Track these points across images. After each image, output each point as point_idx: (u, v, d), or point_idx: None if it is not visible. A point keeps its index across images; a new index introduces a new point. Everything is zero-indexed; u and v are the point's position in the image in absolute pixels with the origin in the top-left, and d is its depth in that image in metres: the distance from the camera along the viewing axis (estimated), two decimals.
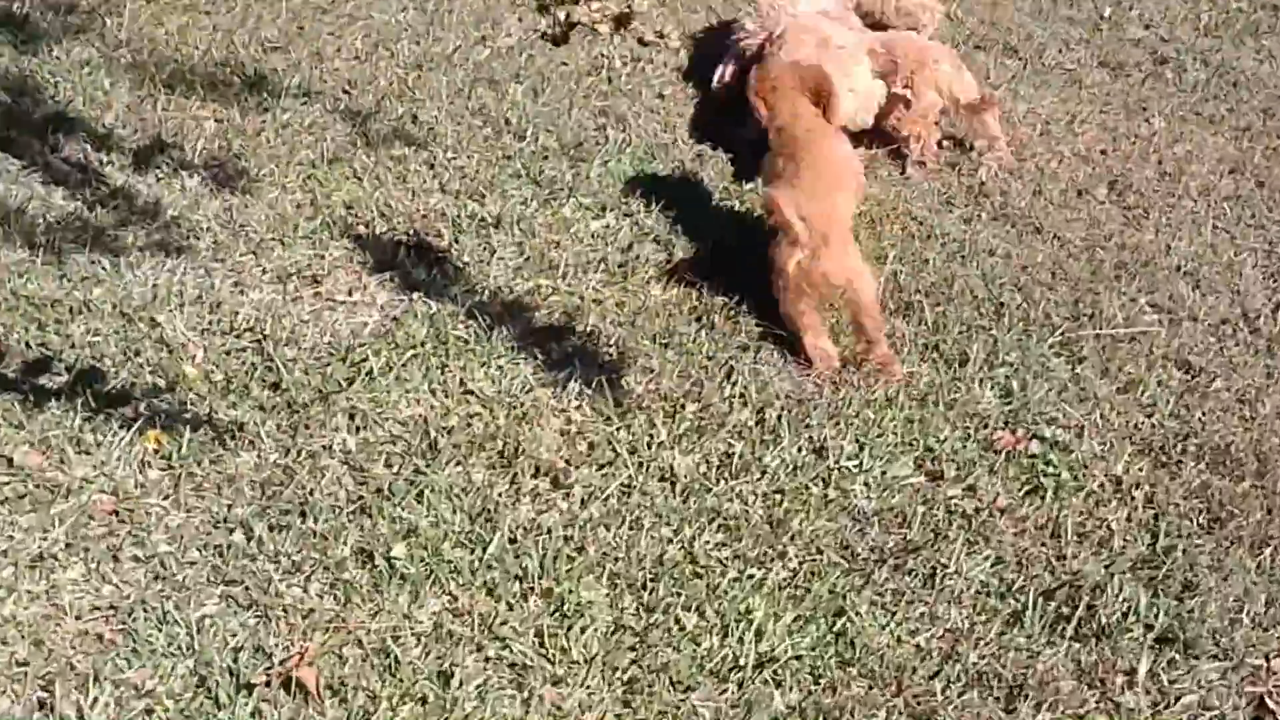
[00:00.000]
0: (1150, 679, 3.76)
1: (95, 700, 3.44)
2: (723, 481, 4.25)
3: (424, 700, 3.53)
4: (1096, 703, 3.72)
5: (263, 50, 6.41)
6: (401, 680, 3.55)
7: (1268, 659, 3.86)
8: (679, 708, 3.58)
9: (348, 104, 6.07)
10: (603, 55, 6.61)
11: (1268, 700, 3.76)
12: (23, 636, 3.55)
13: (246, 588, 3.77)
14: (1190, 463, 4.45)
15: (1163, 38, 7.44)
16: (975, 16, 7.33)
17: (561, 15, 3.28)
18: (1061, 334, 4.94)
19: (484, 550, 3.91)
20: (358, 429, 4.32)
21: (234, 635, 3.65)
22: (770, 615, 3.81)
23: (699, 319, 4.95)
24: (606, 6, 3.29)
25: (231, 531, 3.93)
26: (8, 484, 3.93)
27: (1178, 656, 3.82)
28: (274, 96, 5.99)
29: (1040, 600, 3.95)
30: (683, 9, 7.32)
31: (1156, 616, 3.93)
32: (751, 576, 3.92)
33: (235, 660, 3.57)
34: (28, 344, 4.44)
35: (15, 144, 5.41)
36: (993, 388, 4.76)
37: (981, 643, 3.83)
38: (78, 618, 3.65)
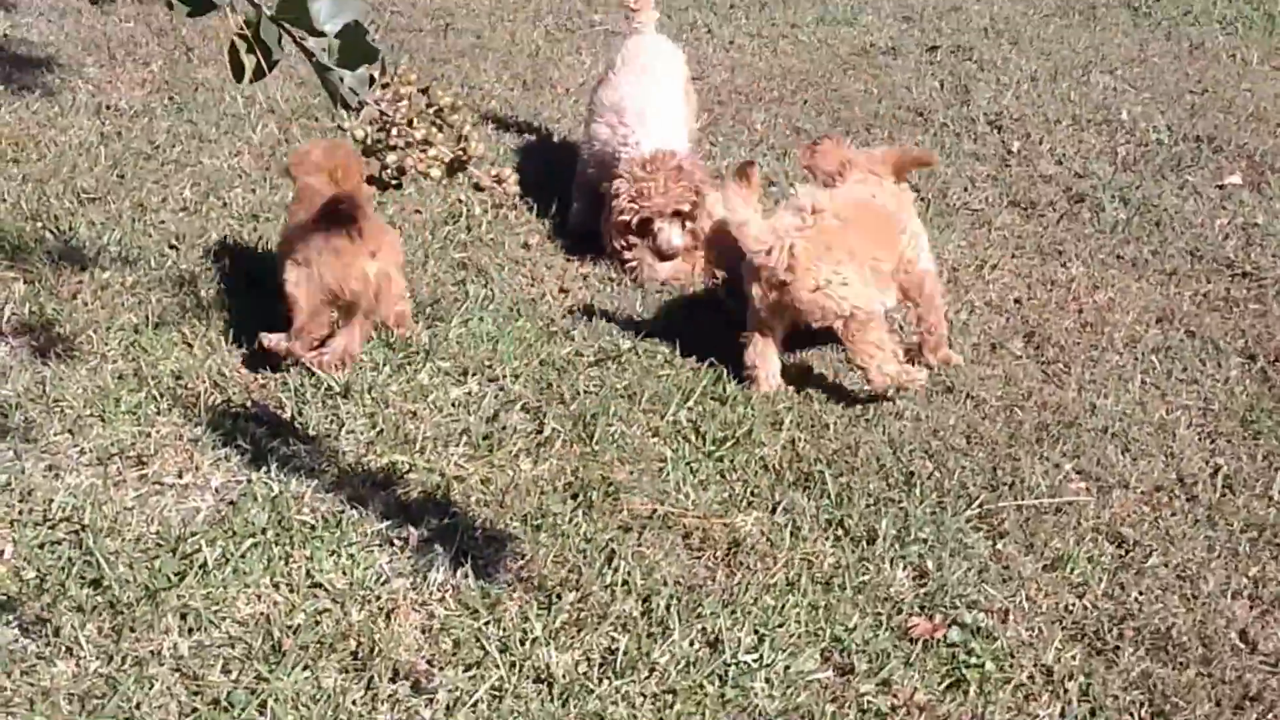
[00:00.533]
0: None
1: None
2: (606, 681, 4.23)
3: None
4: None
5: (79, 202, 6.45)
6: None
7: None
8: None
9: (175, 261, 6.09)
10: (460, 201, 6.71)
11: None
12: None
13: None
14: (1128, 649, 4.48)
15: (1077, 174, 7.67)
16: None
17: (390, 159, 3.39)
18: (979, 506, 5.00)
19: None
20: (190, 630, 4.28)
21: None
22: None
23: (575, 496, 4.97)
24: (440, 151, 3.40)
25: None
26: None
27: None
28: (91, 254, 5.99)
29: None
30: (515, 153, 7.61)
31: None
32: None
33: None
34: None
35: None
36: (905, 568, 4.79)
37: None
38: None
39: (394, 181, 3.51)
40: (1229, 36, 10.07)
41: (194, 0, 3.28)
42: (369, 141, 3.45)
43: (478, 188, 3.50)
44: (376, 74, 3.42)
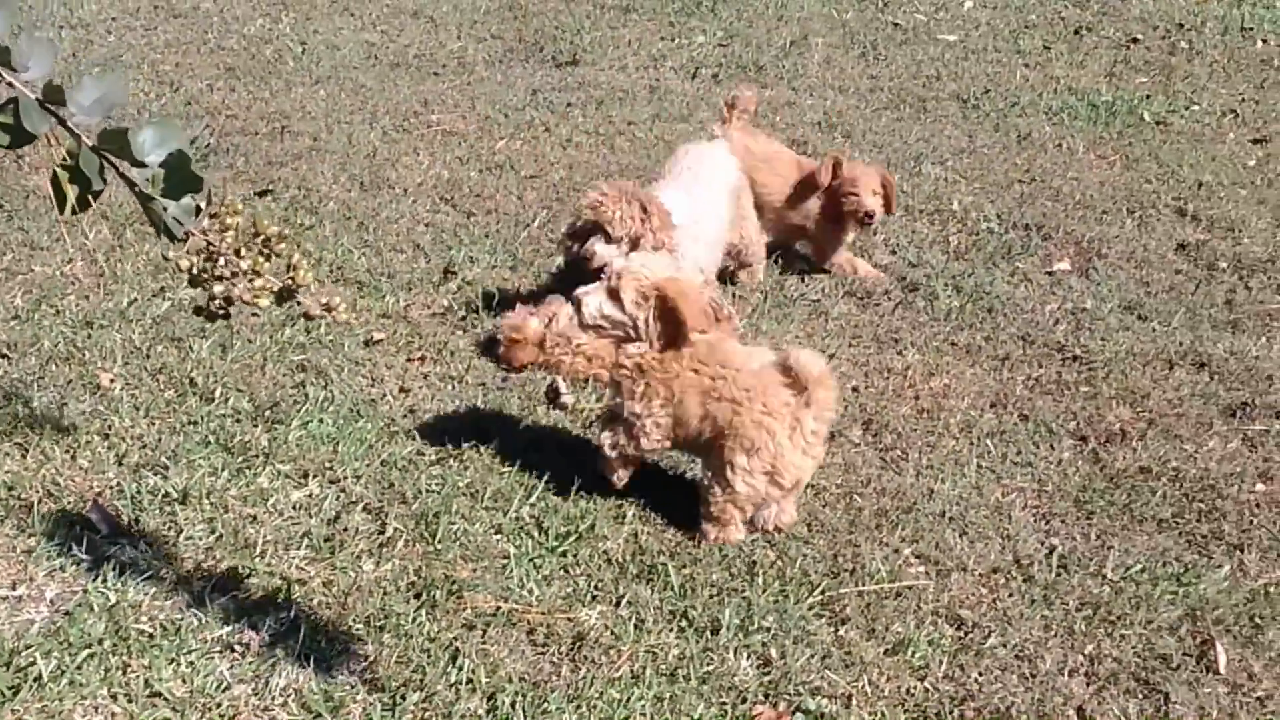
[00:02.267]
0: None
1: None
2: None
3: None
4: None
5: None
6: None
7: None
8: None
9: (6, 370, 6.00)
10: (299, 301, 6.67)
11: None
12: None
13: None
14: None
15: (911, 263, 7.79)
16: None
17: (217, 290, 3.42)
18: (821, 593, 5.01)
19: None
20: None
21: None
22: None
23: (418, 596, 4.93)
24: (267, 281, 3.43)
25: None
26: None
27: None
28: None
29: None
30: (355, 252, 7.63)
31: None
32: None
33: None
34: None
35: None
36: (749, 657, 4.79)
37: None
38: None
39: (221, 312, 3.54)
40: (1055, 127, 10.28)
41: (12, 130, 3.25)
42: (195, 272, 3.48)
43: (307, 316, 3.53)
44: (202, 204, 3.46)
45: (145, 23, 12.24)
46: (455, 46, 12.13)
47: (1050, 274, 7.73)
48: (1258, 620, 5.04)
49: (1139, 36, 12.71)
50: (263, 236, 3.50)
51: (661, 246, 6.44)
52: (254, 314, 6.48)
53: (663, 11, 13.11)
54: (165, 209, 3.39)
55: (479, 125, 10.01)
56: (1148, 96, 11.04)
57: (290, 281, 3.50)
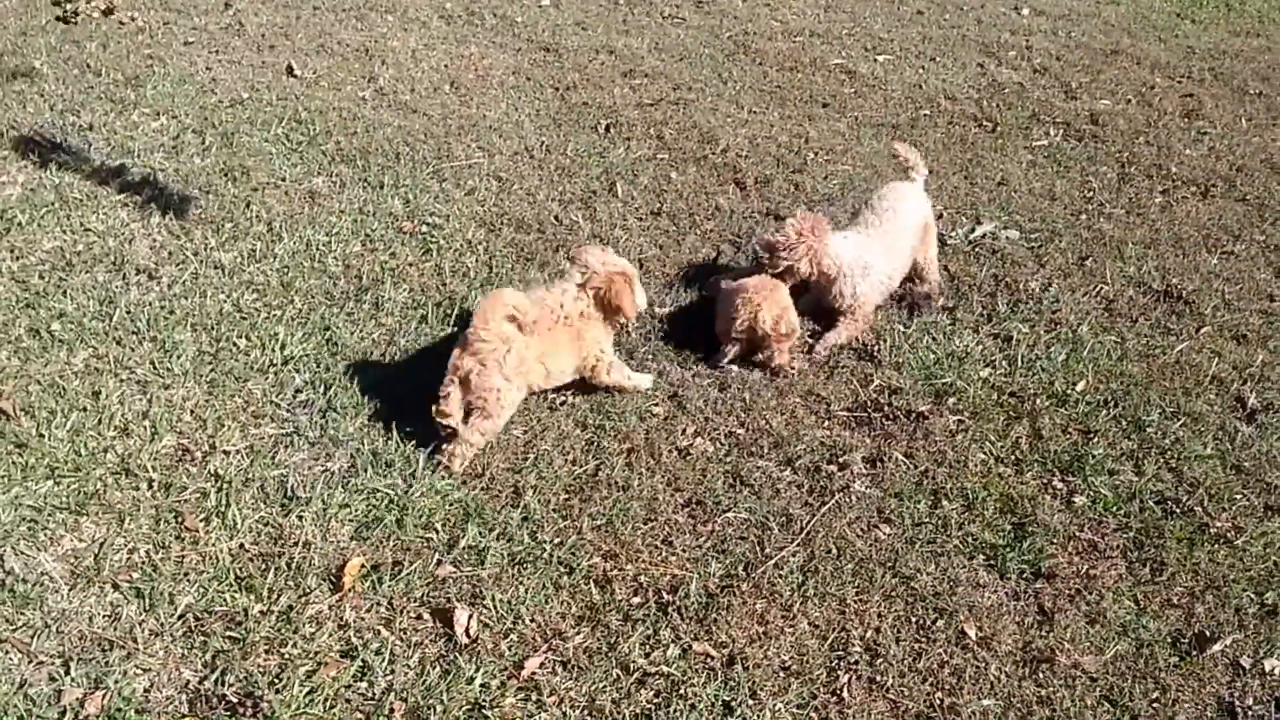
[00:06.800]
0: None
1: None
2: None
3: None
4: None
5: None
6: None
7: None
8: None
9: None
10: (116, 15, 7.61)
11: None
12: None
13: None
14: None
15: None
16: None
17: (69, 7, 5.50)
18: None
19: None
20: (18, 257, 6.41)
21: None
22: None
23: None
24: (97, 5, 5.59)
25: None
26: None
27: None
28: None
29: None
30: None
31: None
32: None
33: None
34: None
35: None
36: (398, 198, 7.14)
37: None
38: None
39: (73, 19, 5.83)
40: None
41: None
42: None
43: (120, 23, 5.90)
44: None
45: None
46: None
47: None
48: None
49: None
50: None
51: (816, 274, 6.70)
52: (91, 19, 7.45)
53: None
54: None
55: None
56: None
57: (110, 6, 5.69)
